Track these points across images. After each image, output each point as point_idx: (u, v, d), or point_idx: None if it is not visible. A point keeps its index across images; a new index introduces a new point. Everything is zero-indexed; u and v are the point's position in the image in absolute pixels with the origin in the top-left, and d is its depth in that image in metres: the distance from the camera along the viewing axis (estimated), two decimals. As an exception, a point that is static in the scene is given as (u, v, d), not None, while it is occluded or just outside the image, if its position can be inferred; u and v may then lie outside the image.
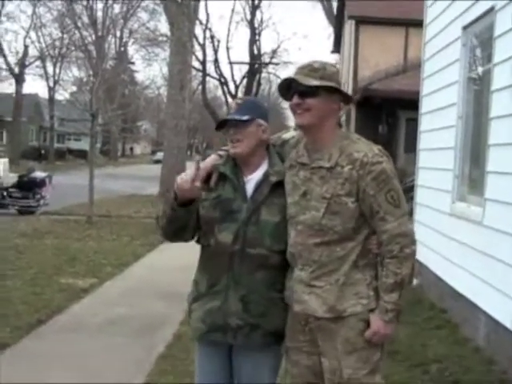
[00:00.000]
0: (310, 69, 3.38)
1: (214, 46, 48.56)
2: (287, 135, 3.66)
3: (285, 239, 3.44)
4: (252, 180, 3.52)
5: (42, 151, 61.56)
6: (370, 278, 3.37)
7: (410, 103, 15.21)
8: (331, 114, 3.40)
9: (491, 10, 7.22)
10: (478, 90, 8.07)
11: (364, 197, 3.28)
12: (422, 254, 9.61)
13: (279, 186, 3.49)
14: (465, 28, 8.22)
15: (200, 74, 47.80)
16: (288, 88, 3.44)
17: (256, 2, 50.55)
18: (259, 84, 50.95)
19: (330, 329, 3.36)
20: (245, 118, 3.48)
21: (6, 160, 21.85)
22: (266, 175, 3.51)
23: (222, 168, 3.55)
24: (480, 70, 8.11)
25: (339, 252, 3.32)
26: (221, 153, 3.65)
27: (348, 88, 24.50)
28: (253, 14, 50.52)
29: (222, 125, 3.56)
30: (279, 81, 3.52)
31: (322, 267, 3.34)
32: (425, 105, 10.37)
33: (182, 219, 3.47)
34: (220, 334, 3.50)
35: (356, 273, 3.34)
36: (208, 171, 3.57)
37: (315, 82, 3.32)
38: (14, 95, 57.02)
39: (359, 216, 3.32)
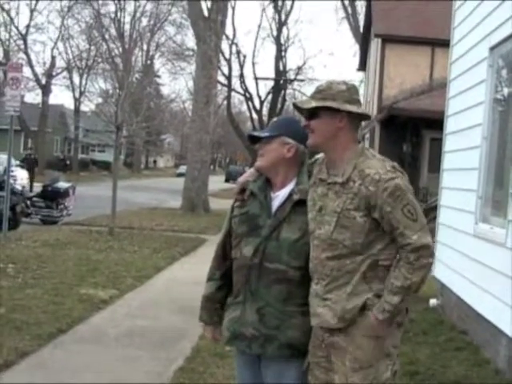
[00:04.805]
0: (316, 90, 3.50)
1: (239, 61, 48.84)
2: (320, 154, 3.69)
3: (304, 256, 3.50)
4: (278, 197, 3.61)
5: (67, 162, 61.95)
6: (377, 291, 3.36)
7: (434, 123, 15.25)
8: (338, 132, 3.43)
9: (519, 31, 7.19)
10: (504, 111, 8.03)
11: (382, 214, 3.30)
12: (444, 275, 9.59)
13: (302, 204, 3.54)
14: (492, 49, 8.19)
15: (225, 88, 48.04)
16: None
17: (282, 19, 50.76)
18: (284, 100, 51.05)
19: (340, 346, 3.38)
20: (263, 134, 3.66)
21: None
22: (290, 193, 3.58)
23: (251, 185, 3.68)
24: (506, 91, 8.08)
25: (349, 265, 3.36)
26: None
27: (373, 106, 24.50)
28: (279, 31, 50.71)
29: (256, 140, 3.71)
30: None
31: (333, 281, 3.39)
32: (450, 125, 10.34)
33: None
34: (238, 342, 3.64)
35: (363, 284, 3.36)
36: (243, 186, 3.71)
37: (312, 104, 3.43)
38: (40, 106, 57.50)
39: (369, 231, 3.34)
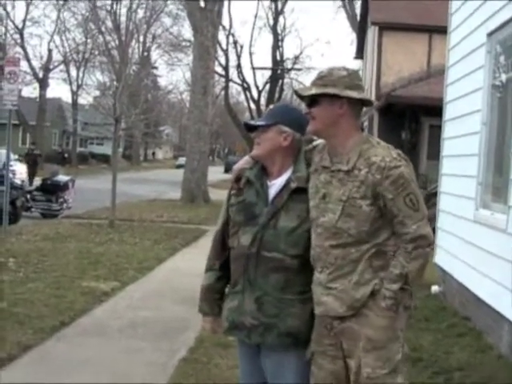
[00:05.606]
0: (317, 77, 3.48)
1: (236, 51, 48.75)
2: (318, 141, 3.68)
3: (302, 244, 3.49)
4: (275, 185, 3.58)
5: (65, 155, 61.88)
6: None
7: (433, 110, 15.22)
8: (339, 119, 3.42)
9: (517, 16, 7.18)
10: (502, 97, 8.02)
11: (384, 201, 3.31)
12: (446, 261, 9.60)
13: (300, 191, 3.53)
14: (489, 35, 8.17)
15: (223, 79, 47.96)
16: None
17: (279, 8, 50.66)
18: (282, 89, 51.02)
19: (353, 330, 3.38)
20: (259, 123, 3.64)
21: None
22: (287, 181, 3.56)
23: (248, 172, 3.66)
24: (504, 76, 8.07)
25: (354, 254, 3.36)
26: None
27: (371, 94, 24.47)
28: (276, 20, 50.63)
29: (253, 129, 3.68)
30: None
31: (338, 269, 3.38)
32: (448, 111, 10.33)
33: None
34: (237, 331, 3.64)
35: (369, 273, 3.36)
36: (239, 173, 3.69)
37: (313, 91, 3.42)
38: (37, 99, 57.41)
39: (374, 220, 3.34)
